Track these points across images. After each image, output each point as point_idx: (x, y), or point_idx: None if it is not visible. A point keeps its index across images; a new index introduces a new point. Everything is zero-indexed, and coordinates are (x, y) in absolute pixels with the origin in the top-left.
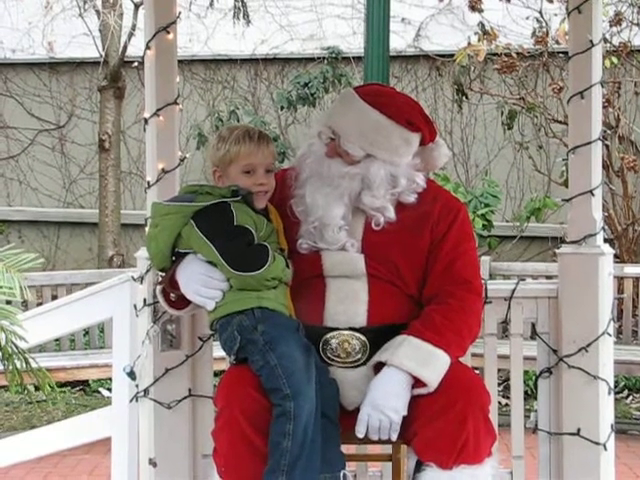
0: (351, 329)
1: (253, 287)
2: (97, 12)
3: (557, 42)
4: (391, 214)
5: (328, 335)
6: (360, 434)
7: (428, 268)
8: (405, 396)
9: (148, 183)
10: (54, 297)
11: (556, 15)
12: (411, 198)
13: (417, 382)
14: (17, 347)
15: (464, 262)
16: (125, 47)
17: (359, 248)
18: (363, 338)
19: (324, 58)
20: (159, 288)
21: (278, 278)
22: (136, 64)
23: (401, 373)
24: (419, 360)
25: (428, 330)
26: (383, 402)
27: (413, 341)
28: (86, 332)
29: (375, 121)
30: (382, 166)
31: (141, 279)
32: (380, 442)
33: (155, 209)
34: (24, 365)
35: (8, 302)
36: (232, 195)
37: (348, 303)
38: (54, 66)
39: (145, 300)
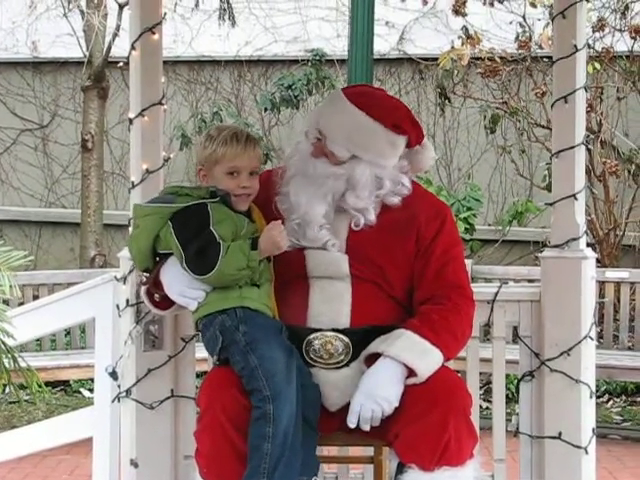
0: (334, 330)
1: (227, 285)
2: (81, 12)
3: (540, 47)
4: (371, 216)
5: (311, 336)
6: (352, 424)
7: (417, 273)
8: (399, 387)
9: (132, 183)
10: (35, 297)
11: (539, 20)
12: (396, 200)
13: (409, 375)
14: (5, 344)
15: (455, 267)
16: (109, 47)
17: (343, 248)
18: (346, 339)
19: (308, 60)
20: (143, 289)
21: (243, 267)
22: (120, 64)
23: (396, 364)
24: (415, 353)
25: (425, 327)
26: (377, 391)
27: (411, 336)
28: (67, 332)
29: (361, 123)
30: (367, 167)
31: (124, 279)
32: (362, 444)
33: (136, 210)
34: (11, 363)
35: None
36: (210, 196)
37: (331, 304)
38: (38, 66)
39: (128, 300)
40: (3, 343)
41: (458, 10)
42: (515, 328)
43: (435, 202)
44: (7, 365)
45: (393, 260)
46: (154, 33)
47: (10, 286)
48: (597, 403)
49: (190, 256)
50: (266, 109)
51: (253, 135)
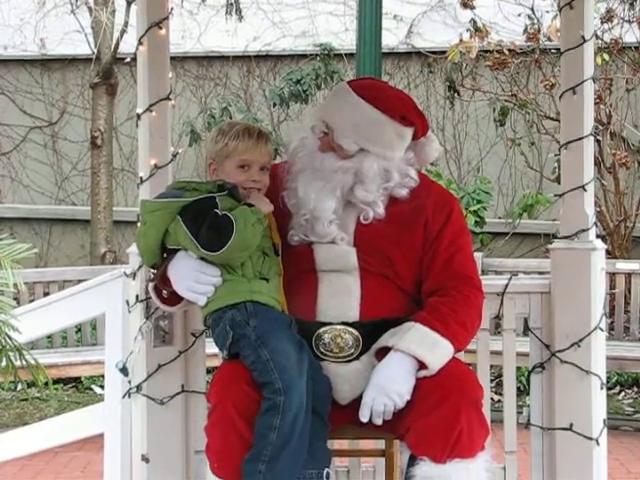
0: (344, 324)
1: (250, 249)
2: (89, 9)
3: (549, 39)
4: (380, 209)
5: (321, 330)
6: (364, 418)
7: (425, 264)
8: (410, 381)
9: (141, 179)
10: (46, 294)
11: (548, 12)
12: (404, 192)
13: (420, 367)
14: (11, 340)
15: (462, 257)
16: (117, 44)
17: (351, 242)
18: (356, 333)
19: (316, 55)
20: (151, 285)
21: (254, 222)
22: (128, 60)
23: (407, 358)
24: (426, 346)
25: (435, 319)
26: (389, 385)
27: (421, 328)
28: (78, 329)
29: (369, 116)
30: (375, 160)
31: (133, 275)
32: (373, 437)
33: (143, 206)
34: (18, 360)
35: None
36: (218, 190)
37: (340, 297)
38: (46, 63)
39: (137, 296)
40: (9, 337)
41: (466, 3)
42: (525, 320)
43: (442, 193)
44: (14, 361)
45: (402, 252)
46: (161, 28)
47: (15, 284)
48: (608, 395)
49: (203, 238)
50: (275, 104)
51: (265, 131)
